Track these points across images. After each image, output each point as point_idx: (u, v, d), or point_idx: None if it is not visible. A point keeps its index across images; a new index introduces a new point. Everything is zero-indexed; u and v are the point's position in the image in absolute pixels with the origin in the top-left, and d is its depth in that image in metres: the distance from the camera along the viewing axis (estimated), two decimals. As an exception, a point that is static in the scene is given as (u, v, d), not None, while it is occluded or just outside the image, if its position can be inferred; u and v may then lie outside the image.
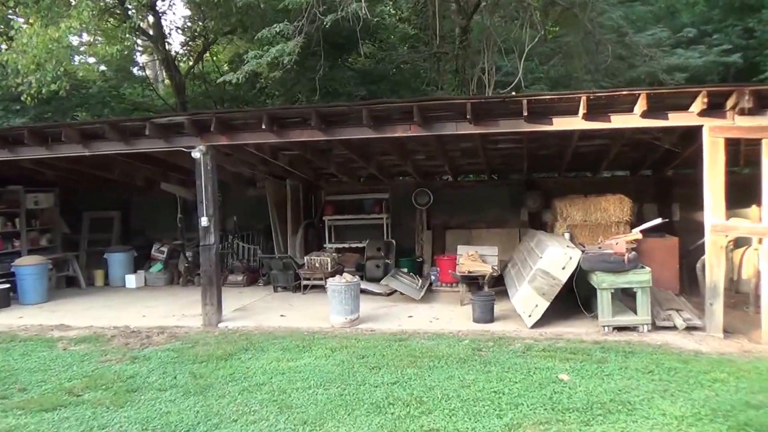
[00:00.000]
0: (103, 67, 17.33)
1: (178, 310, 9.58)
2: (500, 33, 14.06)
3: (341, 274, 8.73)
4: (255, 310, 9.54)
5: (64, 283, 12.00)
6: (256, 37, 10.51)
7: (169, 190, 12.23)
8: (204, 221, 8.40)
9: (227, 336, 7.77)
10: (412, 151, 10.63)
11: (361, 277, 11.13)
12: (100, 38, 14.63)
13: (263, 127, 7.92)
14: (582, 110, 7.11)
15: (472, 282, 9.43)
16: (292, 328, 8.13)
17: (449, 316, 8.66)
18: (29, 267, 10.34)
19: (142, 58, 19.14)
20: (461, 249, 10.32)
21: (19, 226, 11.26)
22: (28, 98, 10.89)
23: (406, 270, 11.43)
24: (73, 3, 11.00)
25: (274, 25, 9.94)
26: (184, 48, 17.72)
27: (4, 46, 11.12)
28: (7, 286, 10.23)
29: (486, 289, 9.17)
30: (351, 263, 11.68)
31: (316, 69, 11.98)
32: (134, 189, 13.03)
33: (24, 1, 10.61)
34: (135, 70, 18.65)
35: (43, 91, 10.73)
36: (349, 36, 12.96)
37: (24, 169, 10.61)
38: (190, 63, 17.70)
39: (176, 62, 16.70)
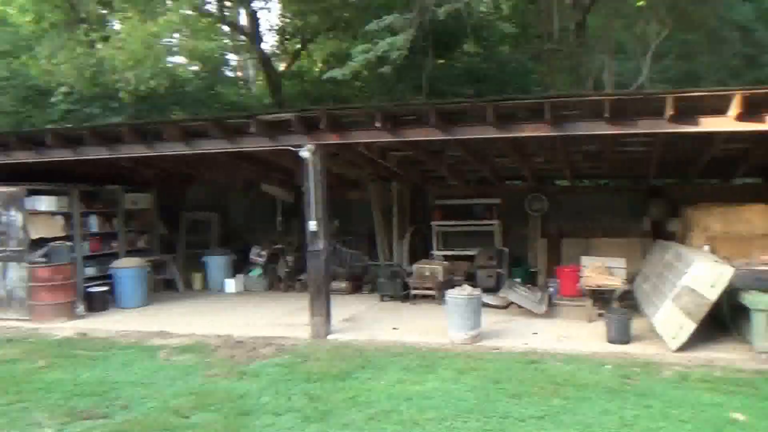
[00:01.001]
0: (195, 67, 17.22)
1: (281, 319, 8.98)
2: (619, 29, 12.79)
3: (460, 286, 7.79)
4: (363, 320, 8.78)
5: (161, 286, 11.70)
6: (364, 30, 9.79)
7: (269, 191, 11.73)
8: (312, 225, 7.70)
9: (339, 350, 7.01)
10: (532, 153, 9.58)
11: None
12: (188, 35, 14.32)
13: (377, 125, 7.16)
14: (736, 109, 6.06)
15: (600, 297, 8.34)
16: (408, 343, 7.29)
17: (578, 333, 7.64)
18: (128, 269, 10.03)
19: (233, 58, 19.05)
20: (586, 260, 9.23)
21: (117, 226, 11.02)
22: (126, 95, 10.63)
23: (519, 280, 10.38)
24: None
25: (384, 18, 9.17)
26: (280, 47, 17.36)
27: (99, 45, 10.89)
28: (106, 288, 9.95)
29: (615, 304, 8.07)
30: (460, 272, 10.73)
31: (420, 67, 11.15)
32: (233, 190, 12.65)
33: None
34: (227, 70, 18.59)
35: (141, 88, 10.45)
36: (454, 33, 12.10)
37: (122, 168, 10.34)
38: (285, 62, 17.38)
39: (272, 61, 16.34)
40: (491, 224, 11.35)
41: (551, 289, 9.86)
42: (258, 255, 12.24)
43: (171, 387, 5.82)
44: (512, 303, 9.15)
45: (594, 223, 11.22)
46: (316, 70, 18.12)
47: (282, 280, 11.72)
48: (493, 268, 10.61)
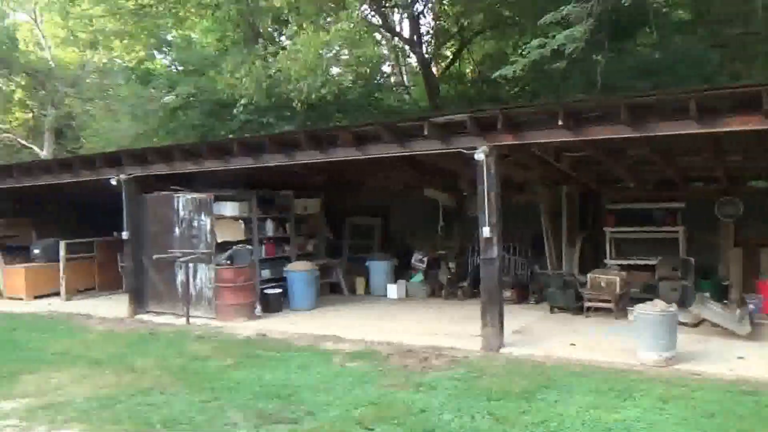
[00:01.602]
0: (350, 77, 17.63)
1: (447, 327, 8.76)
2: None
3: (643, 299, 7.05)
4: (535, 333, 8.30)
5: (327, 290, 12.02)
6: (537, 23, 9.26)
7: (432, 196, 11.60)
8: (486, 232, 7.37)
9: (516, 366, 6.61)
10: (728, 150, 8.46)
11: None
12: (350, 44, 14.62)
13: (559, 123, 6.65)
14: None
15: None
16: (590, 362, 6.70)
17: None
18: (300, 273, 10.39)
19: (385, 65, 19.25)
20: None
21: (289, 231, 11.49)
22: (299, 104, 11.05)
23: (708, 295, 9.25)
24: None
25: (562, 8, 8.60)
26: (434, 50, 17.24)
27: (274, 58, 11.42)
28: (280, 290, 10.38)
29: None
30: (637, 284, 9.84)
31: (591, 61, 10.37)
32: (393, 194, 12.69)
33: (296, 7, 10.78)
34: (384, 76, 18.82)
35: (313, 96, 10.78)
36: (632, 21, 11.14)
37: (294, 174, 10.74)
38: (441, 65, 17.26)
39: (431, 64, 16.27)
40: (674, 231, 10.26)
41: (751, 306, 8.66)
42: (419, 260, 12.16)
43: (350, 394, 5.80)
44: (704, 321, 8.15)
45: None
46: (470, 71, 17.79)
47: (443, 286, 11.52)
48: (677, 281, 9.55)
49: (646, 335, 6.56)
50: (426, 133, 7.47)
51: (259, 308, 9.88)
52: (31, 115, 24.31)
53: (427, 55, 16.42)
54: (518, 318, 9.10)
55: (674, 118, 6.32)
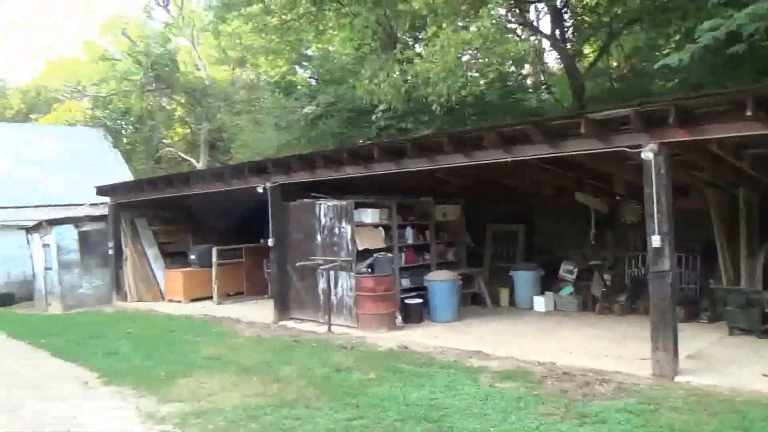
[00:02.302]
0: (491, 75, 16.86)
1: (606, 348, 7.89)
2: None
3: None
4: (714, 359, 7.19)
5: (468, 300, 11.48)
6: (711, 3, 8.14)
7: (584, 201, 10.67)
8: (656, 241, 6.49)
9: (699, 399, 5.66)
10: None
11: None
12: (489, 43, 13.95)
13: (748, 113, 5.64)
14: None
15: None
16: (796, 399, 5.59)
17: None
18: (442, 282, 9.96)
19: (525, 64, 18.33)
20: None
21: (429, 238, 11.11)
22: (437, 108, 10.65)
23: None
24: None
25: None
26: (581, 45, 16.12)
27: (414, 61, 11.12)
28: (421, 301, 10.02)
29: None
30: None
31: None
32: (538, 200, 11.87)
33: (434, 9, 10.39)
34: (519, 76, 17.94)
35: (452, 98, 10.33)
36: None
37: (433, 179, 10.33)
38: (584, 62, 16.10)
39: (575, 61, 15.21)
40: None
41: None
42: (568, 271, 11.25)
43: (505, 423, 5.23)
44: None
45: None
46: (616, 66, 16.41)
47: (596, 300, 10.53)
48: None
49: None
50: (583, 131, 6.73)
51: (399, 318, 9.59)
52: (188, 130, 26.33)
53: (570, 51, 15.35)
54: (690, 340, 7.95)
55: None
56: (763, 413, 5.22)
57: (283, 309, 10.49)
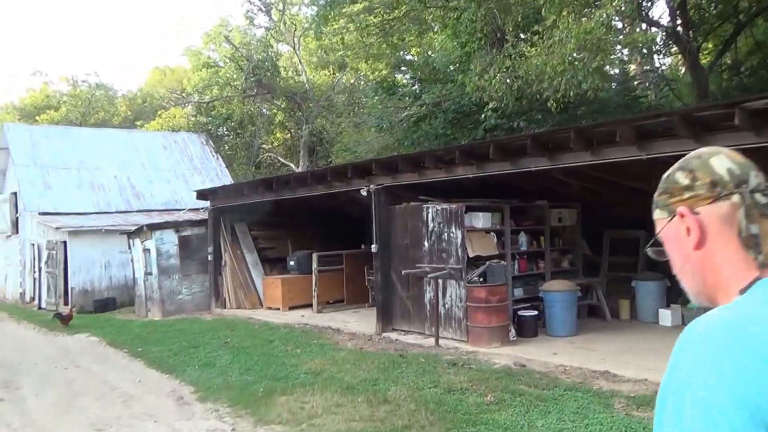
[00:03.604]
0: (615, 70, 15.71)
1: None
2: None
3: None
4: None
5: (585, 313, 10.53)
6: None
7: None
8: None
9: None
10: None
11: None
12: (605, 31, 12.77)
13: None
14: None
15: None
16: None
17: None
18: (560, 293, 9.13)
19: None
20: None
21: (543, 245, 10.29)
22: (554, 104, 9.80)
23: None
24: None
25: None
26: (704, 38, 14.60)
27: (529, 53, 10.34)
28: (536, 313, 9.25)
29: None
30: None
31: None
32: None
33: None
34: (637, 72, 16.63)
35: (571, 94, 9.45)
36: None
37: (549, 180, 9.52)
38: (707, 56, 14.58)
39: (698, 53, 13.79)
40: None
41: None
42: (697, 282, 10.03)
43: (654, 463, 4.44)
44: None
45: None
46: (743, 59, 14.74)
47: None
48: None
49: None
50: (736, 122, 5.77)
51: (513, 332, 8.86)
52: (288, 134, 26.70)
53: (694, 44, 13.91)
54: None
55: None
56: None
57: (386, 319, 10.02)
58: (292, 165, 24.48)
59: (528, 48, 10.42)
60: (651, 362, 7.40)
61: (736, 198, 1.06)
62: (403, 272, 9.68)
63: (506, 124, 11.70)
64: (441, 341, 8.81)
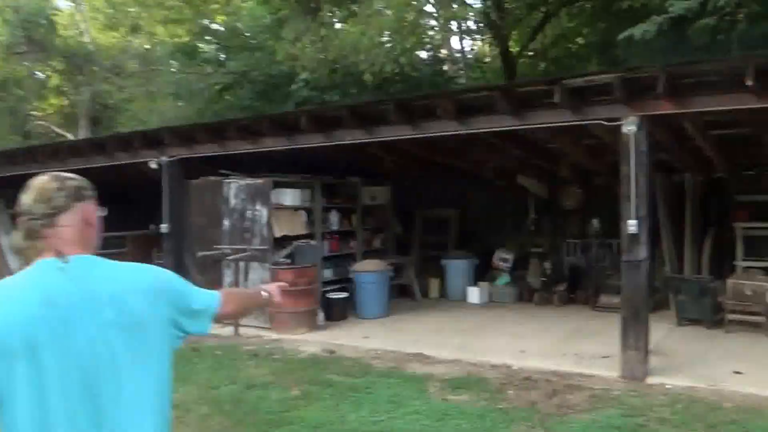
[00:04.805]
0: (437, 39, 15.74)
1: (560, 345, 7.06)
2: None
3: None
4: (675, 355, 6.49)
5: (396, 293, 10.33)
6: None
7: (525, 184, 9.84)
8: (632, 226, 5.61)
9: (687, 408, 4.83)
10: None
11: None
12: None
13: (748, 83, 4.82)
14: None
15: None
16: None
17: None
18: (371, 273, 8.75)
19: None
20: None
21: (355, 224, 9.85)
22: (370, 78, 9.32)
23: None
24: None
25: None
26: (514, 24, 15.32)
27: (345, 25, 9.77)
28: (346, 295, 8.77)
29: None
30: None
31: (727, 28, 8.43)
32: (473, 182, 10.91)
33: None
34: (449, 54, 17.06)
35: (388, 68, 9.04)
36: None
37: (365, 156, 9.07)
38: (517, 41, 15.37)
39: (508, 39, 14.41)
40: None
41: None
42: (502, 260, 10.41)
43: (476, 453, 4.13)
44: None
45: None
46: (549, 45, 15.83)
47: (536, 290, 9.74)
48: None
49: None
50: (556, 100, 5.71)
51: (321, 316, 8.27)
52: (66, 101, 23.22)
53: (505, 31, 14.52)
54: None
55: None
56: (764, 424, 4.45)
57: (180, 308, 8.80)
58: (71, 135, 21.31)
59: (345, 17, 9.84)
60: (463, 341, 7.33)
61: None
62: (199, 255, 8.52)
63: (319, 97, 11.02)
64: (241, 329, 7.87)
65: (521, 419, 4.68)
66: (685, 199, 9.08)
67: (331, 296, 8.68)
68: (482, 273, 10.39)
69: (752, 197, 8.93)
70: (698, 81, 5.34)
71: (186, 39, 18.71)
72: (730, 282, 7.62)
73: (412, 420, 4.75)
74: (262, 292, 2.19)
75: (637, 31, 7.52)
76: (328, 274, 9.22)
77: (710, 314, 7.65)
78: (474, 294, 9.90)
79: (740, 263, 8.69)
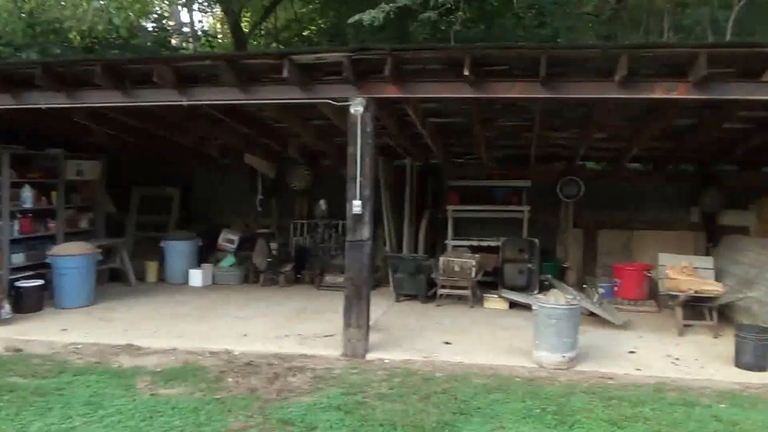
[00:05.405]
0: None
1: (284, 326, 6.94)
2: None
3: (551, 293, 6.06)
4: (392, 329, 6.88)
5: (106, 278, 9.20)
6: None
7: (253, 163, 9.51)
8: (357, 206, 5.69)
9: (402, 381, 5.05)
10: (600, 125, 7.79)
11: (495, 285, 8.67)
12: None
13: (466, 73, 5.18)
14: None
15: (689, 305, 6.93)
16: (485, 368, 5.48)
17: (685, 353, 6.03)
18: (73, 257, 7.57)
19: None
20: (665, 258, 7.72)
21: (56, 201, 8.44)
22: (76, 38, 7.98)
23: (550, 277, 8.83)
24: None
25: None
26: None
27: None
28: (40, 282, 7.47)
29: (714, 316, 6.70)
30: (489, 266, 9.05)
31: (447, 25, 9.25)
32: (199, 160, 10.24)
33: None
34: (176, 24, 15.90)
35: (99, 28, 7.84)
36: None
37: (72, 126, 7.79)
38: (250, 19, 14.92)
39: (240, 17, 13.84)
40: (519, 211, 9.59)
41: (602, 290, 8.28)
42: (228, 240, 10.00)
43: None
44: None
45: (637, 213, 9.79)
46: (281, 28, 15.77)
47: (262, 271, 9.53)
48: (524, 263, 8.92)
49: (548, 333, 5.49)
50: (285, 75, 5.46)
51: (7, 308, 6.87)
52: None
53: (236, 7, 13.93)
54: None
55: (596, 79, 5.35)
56: (470, 389, 4.86)
57: None
58: None
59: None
60: (181, 328, 6.77)
61: None
62: None
63: (14, 54, 9.11)
64: None
65: (239, 408, 4.38)
66: (405, 183, 9.74)
67: (21, 284, 7.29)
68: (207, 255, 9.84)
69: (461, 182, 9.99)
70: (422, 68, 5.61)
71: None
72: (442, 259, 8.37)
73: (113, 423, 4.12)
74: None
75: (366, 16, 7.73)
76: (18, 259, 7.75)
77: (424, 290, 8.30)
78: (196, 277, 9.32)
79: (450, 242, 9.65)
